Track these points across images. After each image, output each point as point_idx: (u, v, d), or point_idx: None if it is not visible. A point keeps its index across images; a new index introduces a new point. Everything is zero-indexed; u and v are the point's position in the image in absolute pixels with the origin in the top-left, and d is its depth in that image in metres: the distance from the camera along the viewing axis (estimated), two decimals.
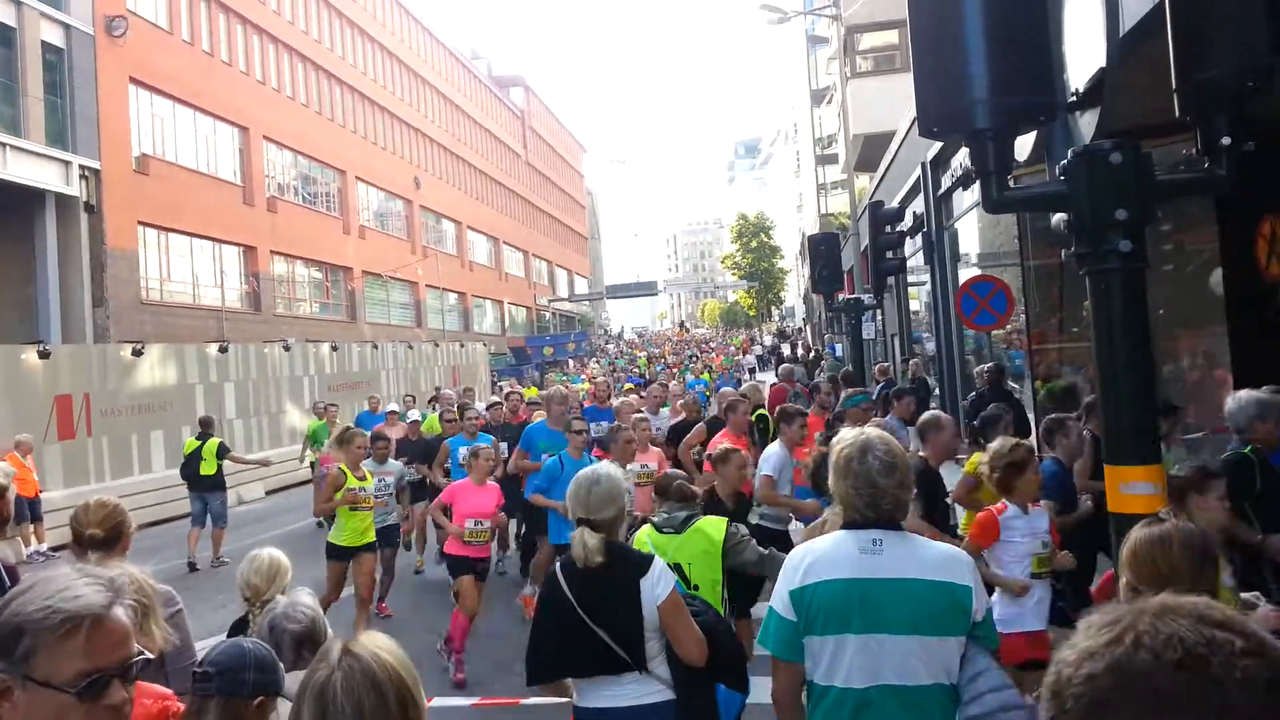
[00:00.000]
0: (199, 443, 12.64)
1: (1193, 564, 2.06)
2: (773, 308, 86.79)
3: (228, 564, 11.52)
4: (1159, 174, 3.60)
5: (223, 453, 12.60)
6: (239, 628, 3.87)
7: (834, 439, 3.10)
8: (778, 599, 2.85)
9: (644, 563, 3.43)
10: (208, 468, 12.39)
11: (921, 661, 2.69)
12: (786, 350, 44.55)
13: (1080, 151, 3.54)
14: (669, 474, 5.05)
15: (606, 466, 3.71)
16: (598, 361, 44.80)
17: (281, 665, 2.50)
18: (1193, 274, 10.03)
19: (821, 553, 2.84)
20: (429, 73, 53.63)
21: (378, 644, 1.76)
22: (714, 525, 4.34)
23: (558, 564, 3.56)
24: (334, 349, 26.52)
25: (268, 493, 19.81)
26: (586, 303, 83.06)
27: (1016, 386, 12.81)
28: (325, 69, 40.49)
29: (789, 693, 2.89)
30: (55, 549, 13.70)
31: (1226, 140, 3.53)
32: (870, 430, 2.98)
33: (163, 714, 2.52)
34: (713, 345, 53.02)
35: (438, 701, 6.46)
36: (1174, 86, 3.65)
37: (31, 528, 13.67)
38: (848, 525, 2.86)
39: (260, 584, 3.78)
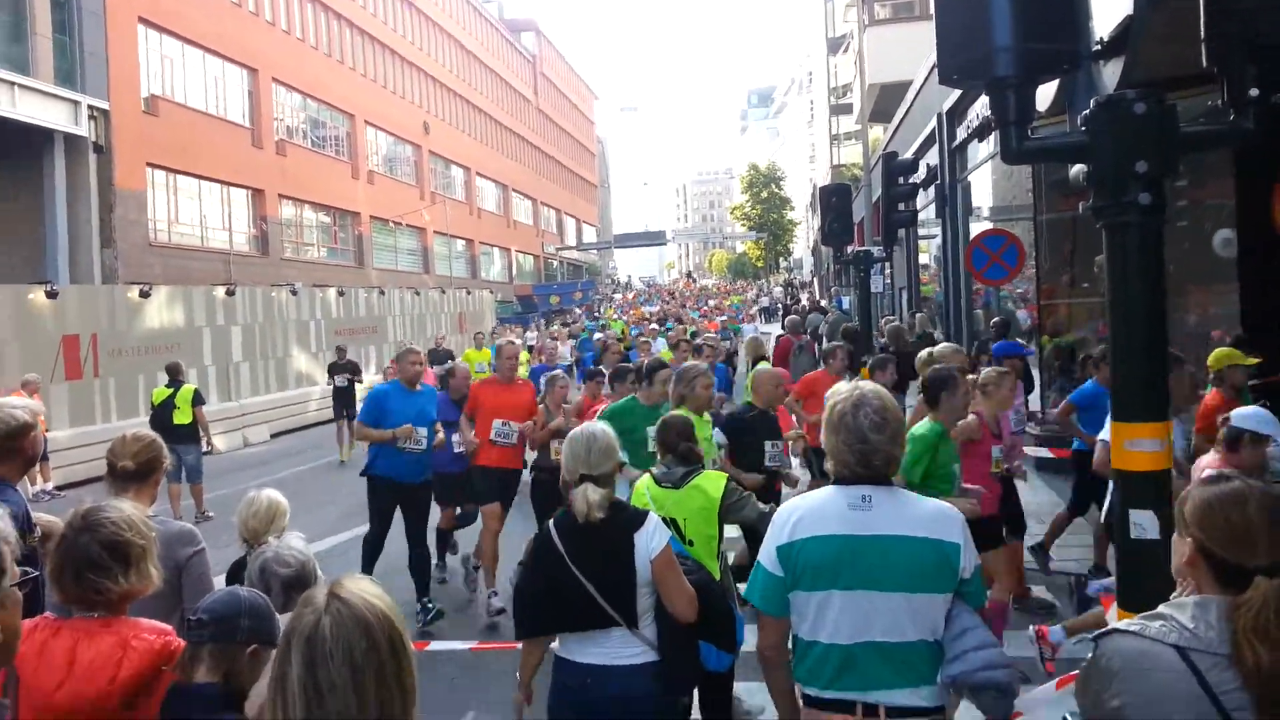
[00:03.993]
0: (170, 390, 11.67)
1: (1267, 521, 2.02)
2: (780, 259, 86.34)
3: (213, 517, 10.83)
4: (1183, 126, 3.49)
5: (199, 400, 11.72)
6: (238, 569, 3.86)
7: (828, 394, 3.04)
8: (765, 554, 2.83)
9: (638, 517, 3.44)
10: (182, 416, 11.43)
11: (908, 618, 2.68)
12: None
13: (1103, 101, 3.42)
14: (675, 428, 4.49)
15: (600, 424, 3.70)
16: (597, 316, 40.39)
17: (276, 614, 2.48)
18: (1207, 228, 9.89)
19: (810, 508, 2.81)
20: (440, 15, 52.85)
21: (364, 588, 1.72)
22: (713, 482, 4.29)
23: (551, 520, 3.55)
24: (341, 294, 26.54)
25: (273, 435, 19.91)
26: (594, 251, 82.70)
27: (1023, 341, 12.76)
28: (335, 10, 39.89)
29: (775, 648, 2.89)
30: (60, 488, 13.80)
31: (1255, 92, 3.41)
32: (865, 385, 2.93)
33: (164, 649, 2.54)
34: (711, 304, 49.30)
35: (435, 645, 6.51)
36: (1202, 35, 3.53)
37: (37, 467, 13.75)
38: (838, 481, 2.83)
39: (258, 526, 3.77)
